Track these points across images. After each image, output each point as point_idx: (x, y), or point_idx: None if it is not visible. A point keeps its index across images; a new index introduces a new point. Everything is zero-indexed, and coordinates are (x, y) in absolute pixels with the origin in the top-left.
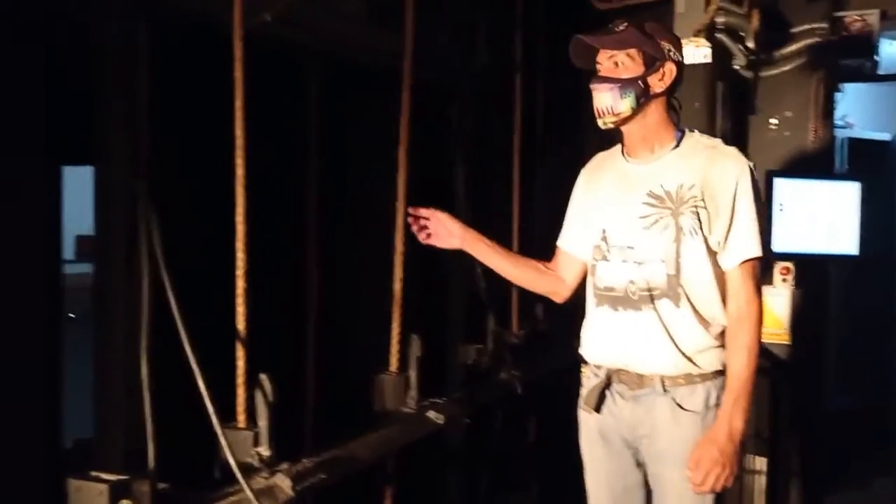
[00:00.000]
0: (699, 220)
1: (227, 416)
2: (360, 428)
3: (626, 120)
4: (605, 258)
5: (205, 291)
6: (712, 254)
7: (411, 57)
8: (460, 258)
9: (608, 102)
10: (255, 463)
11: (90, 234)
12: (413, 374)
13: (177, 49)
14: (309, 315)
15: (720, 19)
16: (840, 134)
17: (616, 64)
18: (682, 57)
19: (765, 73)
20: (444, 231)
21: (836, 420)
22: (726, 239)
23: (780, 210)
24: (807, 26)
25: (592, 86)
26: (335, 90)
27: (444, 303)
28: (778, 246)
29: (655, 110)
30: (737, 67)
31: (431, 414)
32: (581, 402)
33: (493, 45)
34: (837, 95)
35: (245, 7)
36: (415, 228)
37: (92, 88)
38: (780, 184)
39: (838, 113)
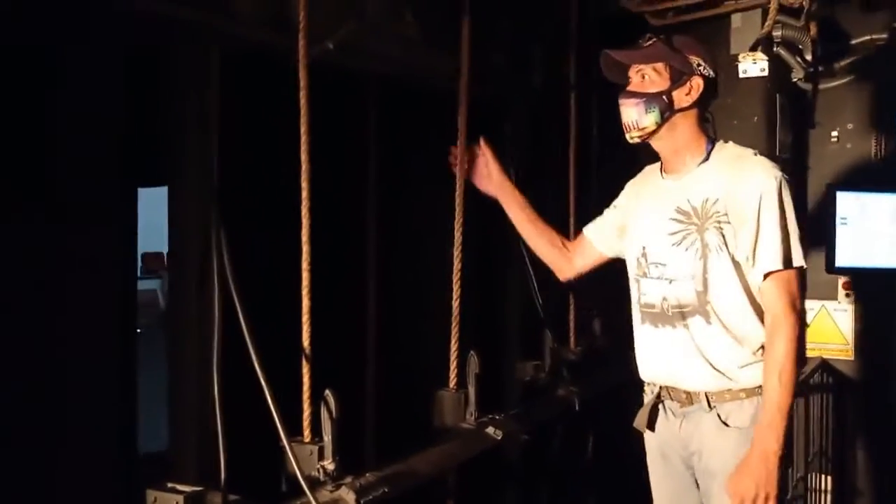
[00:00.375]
0: (723, 235)
1: (293, 430)
2: (421, 443)
3: (651, 134)
4: (645, 274)
5: (270, 309)
6: (740, 269)
7: (468, 78)
8: (517, 275)
9: (633, 117)
10: (321, 476)
11: (155, 251)
12: (471, 390)
13: (245, 75)
14: (369, 332)
15: (777, 33)
16: None
17: (643, 78)
18: (713, 71)
19: (825, 86)
20: (486, 172)
21: None
22: (754, 253)
23: (843, 224)
24: (866, 37)
25: (619, 100)
26: (394, 111)
27: (502, 320)
28: (841, 260)
29: (684, 125)
30: (796, 80)
31: (490, 430)
32: (635, 421)
33: (548, 63)
34: None
35: (309, 36)
36: (456, 153)
37: (165, 116)
38: (842, 197)
39: None
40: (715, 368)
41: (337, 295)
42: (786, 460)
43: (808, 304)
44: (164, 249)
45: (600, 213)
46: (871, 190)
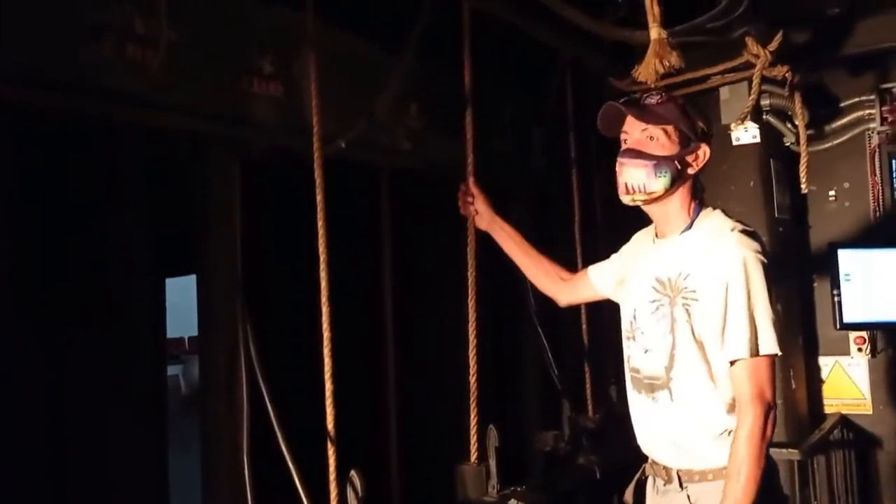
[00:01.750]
0: (689, 313)
1: None
2: None
3: (655, 200)
4: (633, 338)
5: (295, 393)
6: (703, 349)
7: (473, 164)
8: (532, 347)
9: (641, 180)
10: None
11: (176, 336)
12: (492, 463)
13: (265, 171)
14: (391, 410)
15: (765, 102)
16: None
17: (651, 139)
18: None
19: (818, 147)
20: (475, 210)
21: None
22: (722, 337)
23: (847, 281)
24: (854, 99)
25: (623, 160)
26: (406, 197)
27: (520, 392)
28: (849, 316)
29: (681, 191)
30: (788, 144)
31: (512, 502)
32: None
33: (549, 144)
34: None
35: (322, 138)
36: (460, 194)
37: (193, 214)
38: (844, 255)
39: None
40: (679, 446)
41: (358, 376)
42: None
43: (822, 360)
44: (185, 335)
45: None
46: (873, 246)
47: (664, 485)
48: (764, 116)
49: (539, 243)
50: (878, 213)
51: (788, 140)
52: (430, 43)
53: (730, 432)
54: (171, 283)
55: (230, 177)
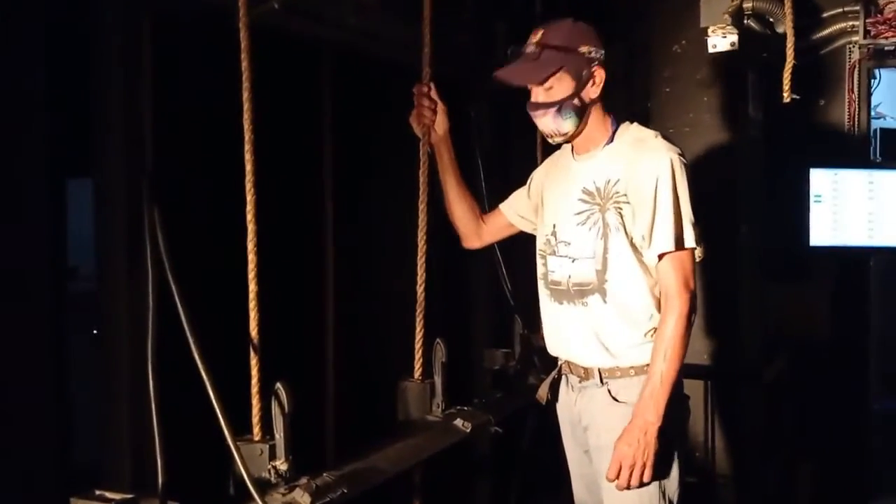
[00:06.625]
0: (621, 215)
1: (244, 428)
2: (384, 438)
3: (575, 135)
4: (554, 252)
5: (219, 297)
6: (636, 249)
7: (431, 48)
8: (485, 260)
9: (552, 126)
10: (272, 478)
11: None
12: (438, 380)
13: (183, 40)
14: (328, 321)
15: (748, 4)
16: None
17: (547, 88)
18: (602, 48)
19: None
20: (431, 121)
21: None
22: (650, 234)
23: (818, 202)
24: (838, 9)
25: (531, 113)
26: (351, 83)
27: (470, 306)
28: (816, 239)
29: (594, 116)
30: (765, 55)
31: (458, 422)
32: (537, 393)
33: (514, 41)
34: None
35: None
36: (417, 99)
37: (92, 91)
38: (816, 174)
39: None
40: (607, 349)
41: (291, 280)
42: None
43: None
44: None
45: None
46: (846, 166)
47: (579, 382)
48: (745, 21)
49: (498, 147)
50: (853, 133)
51: (767, 50)
52: None
53: (655, 330)
54: None
55: (139, 32)
